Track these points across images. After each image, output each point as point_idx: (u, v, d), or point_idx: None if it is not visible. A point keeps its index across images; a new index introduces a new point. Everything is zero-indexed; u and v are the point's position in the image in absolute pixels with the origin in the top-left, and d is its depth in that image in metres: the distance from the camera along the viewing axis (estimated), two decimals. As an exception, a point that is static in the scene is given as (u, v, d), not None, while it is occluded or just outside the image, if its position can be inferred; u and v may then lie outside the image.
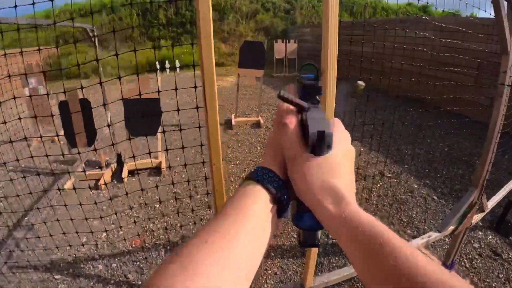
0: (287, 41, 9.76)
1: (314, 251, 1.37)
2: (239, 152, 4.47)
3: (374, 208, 2.90)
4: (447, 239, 2.39)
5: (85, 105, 2.96)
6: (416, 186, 3.22)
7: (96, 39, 3.28)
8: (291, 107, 0.46)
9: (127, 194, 2.01)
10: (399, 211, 2.82)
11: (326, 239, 2.53)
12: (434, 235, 1.68)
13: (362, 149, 4.21)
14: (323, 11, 0.85)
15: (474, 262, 2.24)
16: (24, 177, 1.94)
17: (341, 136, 0.45)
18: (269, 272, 2.28)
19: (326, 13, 0.84)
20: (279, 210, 0.42)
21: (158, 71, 11.63)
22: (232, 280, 0.32)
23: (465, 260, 2.26)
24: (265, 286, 2.18)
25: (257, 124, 5.70)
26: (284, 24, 14.66)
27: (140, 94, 1.57)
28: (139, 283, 2.21)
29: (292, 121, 0.45)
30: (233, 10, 14.22)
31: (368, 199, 3.06)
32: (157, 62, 11.51)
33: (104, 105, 1.86)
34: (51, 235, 2.10)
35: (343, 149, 0.44)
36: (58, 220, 2.01)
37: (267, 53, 5.48)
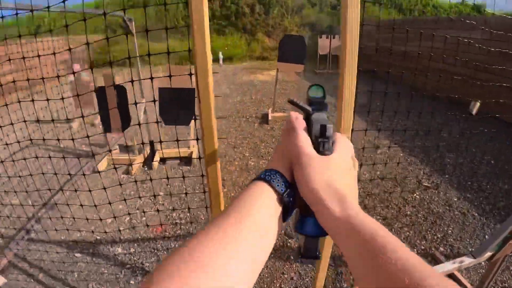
0: (332, 37, 9.45)
1: (325, 260, 1.27)
2: (271, 147, 4.39)
3: (407, 219, 2.69)
4: (483, 262, 2.15)
5: (121, 91, 3.05)
6: (455, 200, 2.93)
7: (134, 28, 3.35)
8: (300, 116, 0.50)
9: (169, 178, 2.02)
10: (434, 226, 2.58)
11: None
12: (467, 261, 1.49)
13: (401, 154, 3.95)
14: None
15: (511, 292, 1.99)
16: (64, 157, 2.01)
17: (345, 145, 0.47)
18: (286, 276, 2.19)
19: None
20: (284, 212, 0.43)
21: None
22: (237, 275, 0.32)
23: (501, 288, 2.01)
24: (279, 289, 2.10)
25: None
26: (330, 20, 14.24)
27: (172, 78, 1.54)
28: (154, 271, 2.22)
29: (300, 126, 0.47)
30: (278, 4, 14.05)
31: (401, 208, 2.85)
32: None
33: (152, 78, 1.86)
34: (87, 218, 2.16)
35: (346, 155, 0.46)
36: (95, 205, 2.06)
37: (311, 48, 5.32)
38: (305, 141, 0.44)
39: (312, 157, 0.42)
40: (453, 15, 12.52)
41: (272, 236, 0.40)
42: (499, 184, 3.18)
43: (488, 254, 1.50)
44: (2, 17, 1.78)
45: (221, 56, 11.60)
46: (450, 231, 2.52)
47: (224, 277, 0.31)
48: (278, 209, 0.41)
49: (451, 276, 2.00)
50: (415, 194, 3.05)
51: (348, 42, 0.74)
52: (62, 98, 1.97)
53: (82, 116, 2.08)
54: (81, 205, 1.86)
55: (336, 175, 0.41)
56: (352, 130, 0.83)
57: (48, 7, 1.64)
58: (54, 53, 1.96)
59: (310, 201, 0.41)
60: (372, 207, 2.88)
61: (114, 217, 1.86)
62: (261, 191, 0.41)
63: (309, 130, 0.47)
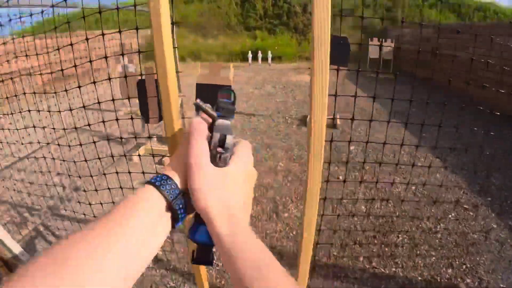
0: (383, 40, 9.01)
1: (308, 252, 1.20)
2: (305, 151, 4.31)
3: (436, 242, 2.46)
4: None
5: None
6: (494, 226, 2.61)
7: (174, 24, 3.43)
8: (202, 121, 0.46)
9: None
10: (465, 254, 2.33)
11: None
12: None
13: (442, 170, 3.66)
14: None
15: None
16: (108, 139, 2.13)
17: (243, 157, 0.45)
18: (293, 283, 2.12)
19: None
20: (173, 219, 0.42)
21: (251, 60, 11.93)
22: (104, 278, 0.31)
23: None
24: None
25: (332, 125, 5.26)
26: (383, 22, 13.60)
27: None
28: (165, 260, 2.28)
29: (199, 133, 0.44)
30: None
31: (431, 230, 2.62)
32: (249, 52, 11.83)
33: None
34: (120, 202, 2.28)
35: (244, 168, 0.44)
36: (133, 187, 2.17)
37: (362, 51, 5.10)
38: (201, 152, 0.42)
39: (206, 170, 0.41)
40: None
41: (156, 241, 0.40)
42: (548, 214, 2.79)
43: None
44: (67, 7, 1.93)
45: (270, 55, 11.60)
46: (482, 261, 2.25)
47: (88, 279, 0.30)
48: (165, 214, 0.40)
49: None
50: (450, 216, 2.80)
51: (316, 35, 0.68)
52: (109, 78, 2.09)
53: (132, 97, 2.18)
54: (120, 186, 1.96)
55: (228, 191, 0.41)
56: (332, 141, 0.77)
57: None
58: (103, 35, 2.06)
59: (201, 215, 0.41)
60: (401, 225, 2.69)
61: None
62: (147, 196, 0.39)
63: (211, 138, 0.44)
